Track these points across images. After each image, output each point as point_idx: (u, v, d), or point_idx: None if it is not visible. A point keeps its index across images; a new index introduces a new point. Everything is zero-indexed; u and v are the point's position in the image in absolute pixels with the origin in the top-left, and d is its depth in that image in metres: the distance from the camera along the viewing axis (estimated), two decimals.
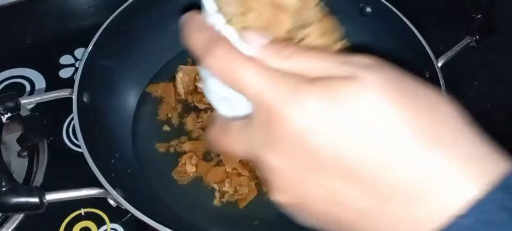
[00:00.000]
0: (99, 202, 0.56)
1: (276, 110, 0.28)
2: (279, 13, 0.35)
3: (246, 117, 0.33)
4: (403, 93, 0.27)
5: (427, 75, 0.60)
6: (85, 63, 0.58)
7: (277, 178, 0.30)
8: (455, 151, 0.26)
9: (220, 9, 0.34)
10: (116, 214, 0.61)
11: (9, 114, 0.53)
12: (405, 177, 0.26)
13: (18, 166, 0.64)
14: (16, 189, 0.47)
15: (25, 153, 0.66)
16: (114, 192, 0.48)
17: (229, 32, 0.33)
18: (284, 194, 0.30)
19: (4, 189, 0.46)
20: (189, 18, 0.34)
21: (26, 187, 0.56)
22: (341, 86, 0.27)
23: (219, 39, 0.32)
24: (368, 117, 0.27)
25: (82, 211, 0.62)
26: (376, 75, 0.28)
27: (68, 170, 0.64)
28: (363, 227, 0.29)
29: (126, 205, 0.48)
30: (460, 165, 0.25)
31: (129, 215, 0.61)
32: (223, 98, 0.35)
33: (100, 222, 0.61)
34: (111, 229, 0.61)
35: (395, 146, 0.26)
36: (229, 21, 0.34)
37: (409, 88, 0.28)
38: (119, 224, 0.61)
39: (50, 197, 0.48)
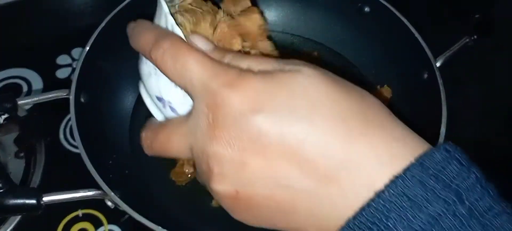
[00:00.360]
0: (97, 203, 0.55)
1: (221, 96, 0.30)
2: (236, 36, 0.37)
3: (183, 115, 0.35)
4: (339, 84, 0.30)
5: (426, 75, 0.60)
6: (82, 63, 0.58)
7: (220, 166, 0.30)
8: (382, 133, 0.29)
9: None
10: (114, 215, 0.61)
11: (6, 115, 0.53)
12: (341, 156, 0.28)
13: (15, 167, 0.64)
14: (14, 190, 0.47)
15: (22, 154, 0.66)
16: (112, 194, 0.48)
17: (178, 33, 0.35)
18: (227, 182, 0.30)
19: (1, 190, 0.46)
20: (138, 22, 0.37)
21: (24, 189, 0.56)
22: (284, 75, 0.30)
23: (167, 33, 0.34)
24: (310, 100, 0.29)
25: (80, 212, 0.61)
26: (315, 69, 0.31)
27: (65, 171, 0.64)
28: (304, 211, 0.29)
29: (124, 207, 0.48)
30: (387, 146, 0.28)
31: (126, 216, 0.61)
32: (159, 99, 0.36)
33: (97, 223, 0.61)
34: (109, 230, 0.61)
35: (335, 128, 0.28)
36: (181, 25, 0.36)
37: (343, 82, 0.31)
38: (117, 225, 0.61)
39: (48, 198, 0.48)
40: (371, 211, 0.26)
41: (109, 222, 0.61)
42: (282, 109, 0.29)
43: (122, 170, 0.59)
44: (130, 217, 0.60)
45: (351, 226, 0.27)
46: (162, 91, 0.37)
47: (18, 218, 0.60)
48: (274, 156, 0.29)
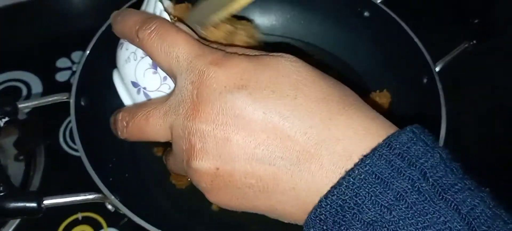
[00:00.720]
0: (96, 206, 0.55)
1: (207, 72, 0.31)
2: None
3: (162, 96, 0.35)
4: (318, 71, 0.32)
5: (425, 80, 0.60)
6: (82, 67, 0.58)
7: (202, 141, 0.30)
8: (358, 113, 0.30)
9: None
10: (113, 218, 0.61)
11: (6, 118, 0.53)
12: (322, 133, 0.29)
13: (15, 170, 0.64)
14: (14, 194, 0.47)
15: (21, 157, 0.66)
16: (112, 197, 0.48)
17: (166, 18, 0.36)
18: (208, 158, 0.30)
19: (1, 194, 0.46)
20: (123, 9, 0.38)
21: (24, 192, 0.55)
22: (268, 57, 0.32)
23: (156, 16, 0.35)
24: (293, 81, 0.30)
25: (79, 215, 0.61)
26: (297, 57, 0.32)
27: (65, 174, 0.64)
28: (284, 188, 0.30)
29: (124, 210, 0.48)
30: (363, 123, 0.30)
31: (126, 219, 0.61)
32: (134, 84, 0.37)
33: (97, 227, 0.61)
34: None
35: (316, 107, 0.30)
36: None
37: (318, 70, 0.33)
38: (116, 228, 0.61)
39: (48, 202, 0.48)
40: (342, 189, 0.28)
41: (108, 225, 0.61)
42: (266, 87, 0.30)
43: (122, 173, 0.59)
44: (130, 220, 0.60)
45: (323, 204, 0.28)
46: (138, 77, 0.38)
47: (17, 221, 0.60)
48: (257, 132, 0.30)
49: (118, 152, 0.61)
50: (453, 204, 0.26)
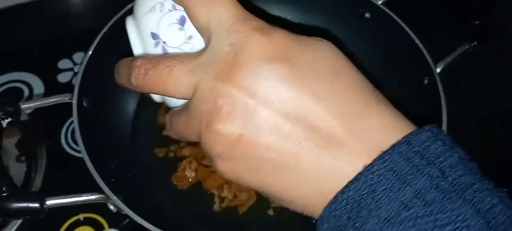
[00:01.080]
0: (98, 207, 0.55)
1: (250, 37, 0.30)
2: None
3: (189, 52, 0.34)
4: (350, 61, 0.32)
5: (426, 81, 0.60)
6: (85, 67, 0.58)
7: (231, 106, 0.29)
8: (387, 108, 0.31)
9: None
10: (115, 219, 0.61)
11: (9, 119, 0.53)
12: (354, 122, 0.29)
13: (17, 171, 0.64)
14: (17, 194, 0.47)
15: (23, 158, 0.66)
16: (114, 197, 0.48)
17: None
18: (234, 124, 0.29)
19: (4, 194, 0.46)
20: None
21: (27, 193, 0.55)
22: (309, 39, 0.31)
23: None
24: (331, 66, 0.30)
25: (81, 216, 0.61)
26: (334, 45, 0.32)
27: (67, 175, 0.64)
28: (305, 169, 0.29)
29: (127, 211, 0.48)
30: (391, 119, 0.30)
31: (127, 220, 0.61)
32: (154, 36, 0.36)
33: (98, 228, 0.61)
34: None
35: (351, 95, 0.30)
36: None
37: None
38: (118, 229, 0.61)
39: (51, 202, 0.48)
40: (360, 184, 0.27)
41: (110, 226, 0.61)
42: (306, 65, 0.30)
43: (124, 174, 0.60)
44: (131, 222, 0.60)
45: (339, 200, 0.28)
46: (160, 29, 0.36)
47: (19, 222, 0.60)
48: (290, 108, 0.29)
49: (120, 153, 0.61)
50: (472, 202, 0.26)
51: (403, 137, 0.28)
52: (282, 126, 0.29)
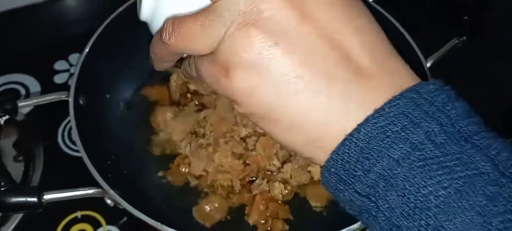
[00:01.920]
0: (95, 204, 0.56)
1: None
2: None
3: None
4: None
5: None
6: (81, 66, 0.59)
7: (273, 11, 0.28)
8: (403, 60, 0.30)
9: None
10: (112, 216, 0.62)
11: (6, 117, 0.54)
12: (385, 63, 0.29)
13: (14, 171, 0.64)
14: (15, 188, 0.48)
15: (21, 158, 0.66)
16: (111, 191, 0.49)
17: None
18: (268, 29, 0.28)
19: (3, 189, 0.47)
20: None
21: (25, 187, 0.56)
22: None
23: None
24: (364, 6, 0.30)
25: (79, 213, 0.62)
26: None
27: (64, 174, 0.64)
28: (334, 95, 0.28)
29: (124, 204, 0.49)
30: (407, 66, 0.30)
31: (125, 217, 0.62)
32: None
33: (96, 225, 0.62)
34: None
35: (382, 38, 0.30)
36: None
37: None
38: (115, 226, 0.62)
39: (49, 196, 0.48)
40: (369, 125, 0.27)
41: (107, 223, 0.62)
42: None
43: (121, 170, 0.60)
44: (129, 219, 0.61)
45: (348, 142, 0.28)
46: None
47: (17, 220, 0.61)
48: (331, 31, 0.28)
49: (116, 150, 0.62)
50: (479, 147, 0.27)
51: (412, 86, 0.28)
52: (320, 46, 0.28)
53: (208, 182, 0.62)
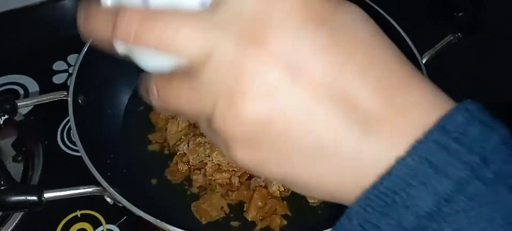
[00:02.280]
0: (95, 203, 0.56)
1: None
2: None
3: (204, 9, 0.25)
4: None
5: None
6: (79, 66, 0.59)
7: (262, 78, 0.23)
8: (427, 82, 0.26)
9: None
10: (112, 215, 0.62)
11: (6, 116, 0.54)
12: (398, 98, 0.25)
13: (14, 171, 0.64)
14: (15, 187, 0.48)
15: (20, 158, 0.66)
16: (111, 189, 0.49)
17: None
18: (262, 100, 0.23)
19: (3, 188, 0.47)
20: None
21: (25, 186, 0.56)
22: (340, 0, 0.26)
23: None
24: (370, 30, 0.25)
25: (78, 212, 0.62)
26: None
27: (64, 173, 0.65)
28: (345, 155, 0.24)
29: (123, 201, 0.49)
30: (432, 94, 0.25)
31: (124, 216, 0.62)
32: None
33: (96, 224, 0.62)
34: (107, 230, 0.62)
35: (394, 67, 0.25)
36: None
37: None
38: (115, 225, 0.62)
39: (49, 195, 0.49)
40: (392, 179, 0.24)
41: (107, 222, 0.62)
42: (344, 30, 0.24)
43: (120, 168, 0.61)
44: (128, 218, 0.62)
45: (370, 196, 0.24)
46: None
47: (17, 219, 0.61)
48: (331, 83, 0.24)
49: (115, 148, 0.62)
50: None
51: (437, 123, 0.24)
52: (321, 106, 0.24)
53: (206, 180, 0.62)
